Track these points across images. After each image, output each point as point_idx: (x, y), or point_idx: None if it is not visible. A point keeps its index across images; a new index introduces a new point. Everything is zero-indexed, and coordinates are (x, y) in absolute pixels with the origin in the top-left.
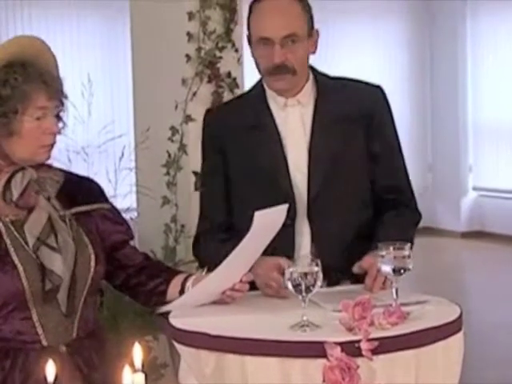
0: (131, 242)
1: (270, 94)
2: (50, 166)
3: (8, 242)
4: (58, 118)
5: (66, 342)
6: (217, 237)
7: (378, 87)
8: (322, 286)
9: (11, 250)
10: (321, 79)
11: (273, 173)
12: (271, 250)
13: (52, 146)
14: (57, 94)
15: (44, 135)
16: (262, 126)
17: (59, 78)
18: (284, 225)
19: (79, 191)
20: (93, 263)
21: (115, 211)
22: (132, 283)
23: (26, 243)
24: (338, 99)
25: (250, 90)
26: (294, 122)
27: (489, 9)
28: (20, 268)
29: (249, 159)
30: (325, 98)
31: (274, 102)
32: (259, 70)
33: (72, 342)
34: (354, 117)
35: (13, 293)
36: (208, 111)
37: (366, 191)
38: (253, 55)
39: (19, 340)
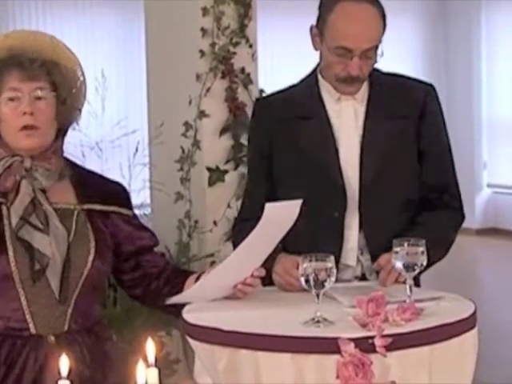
0: (155, 249)
1: (324, 85)
2: (50, 155)
3: (7, 223)
4: (65, 104)
5: (55, 333)
6: (250, 226)
7: (431, 85)
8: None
9: (7, 232)
10: (374, 74)
11: (324, 165)
12: (319, 243)
13: (32, 130)
14: (34, 75)
15: (19, 116)
16: (314, 116)
17: (49, 63)
18: (333, 217)
19: (99, 191)
20: (91, 257)
21: (138, 220)
22: (152, 288)
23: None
24: (390, 96)
25: (303, 80)
26: (347, 115)
27: (504, 6)
28: (10, 251)
29: (299, 150)
30: (378, 93)
31: (328, 95)
32: (321, 61)
33: (62, 334)
34: (406, 114)
35: (1, 275)
36: (258, 100)
37: (415, 188)
38: (315, 48)
39: (7, 327)
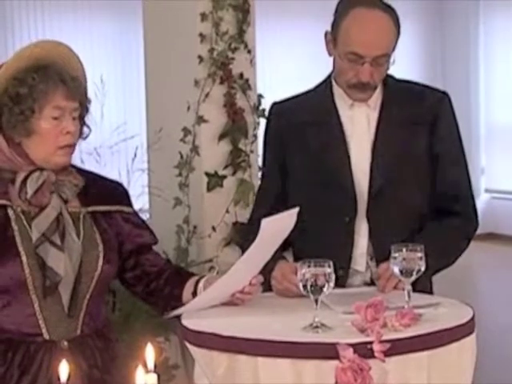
0: (154, 248)
1: (337, 92)
2: (71, 170)
3: (16, 228)
4: (83, 122)
5: (68, 338)
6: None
7: (444, 93)
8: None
9: (17, 237)
10: (388, 81)
11: (336, 170)
12: (329, 248)
13: (70, 148)
14: (76, 94)
15: (61, 135)
16: (327, 122)
17: (82, 81)
18: (343, 222)
19: (101, 192)
20: (100, 262)
21: (138, 217)
22: (152, 288)
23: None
24: (404, 103)
25: (318, 86)
26: (359, 121)
27: (501, 9)
28: (23, 257)
29: (312, 155)
30: (391, 100)
31: (342, 101)
32: (334, 68)
33: (75, 339)
34: (419, 122)
35: (15, 280)
36: (274, 104)
37: (425, 196)
38: (329, 54)
39: (21, 332)
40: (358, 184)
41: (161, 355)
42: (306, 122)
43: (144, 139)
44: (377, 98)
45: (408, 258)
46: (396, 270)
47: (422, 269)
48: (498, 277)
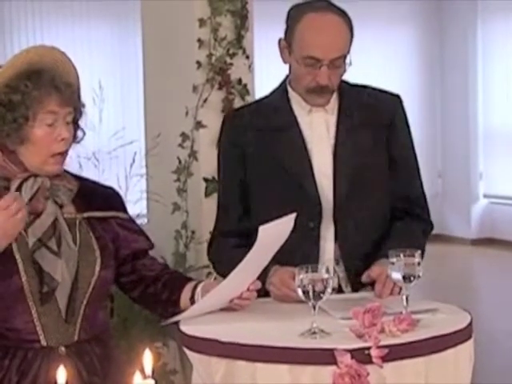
0: (150, 252)
1: (294, 97)
2: (65, 175)
3: None
4: (77, 126)
5: (66, 344)
6: (229, 243)
7: (397, 96)
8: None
9: (14, 245)
10: (343, 86)
11: (299, 176)
12: (296, 254)
13: (62, 156)
14: (69, 100)
15: (55, 142)
16: (286, 129)
17: (76, 86)
18: (309, 229)
19: (96, 198)
20: (97, 267)
21: (133, 222)
22: (149, 292)
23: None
24: (360, 106)
25: (272, 93)
26: (318, 126)
27: (500, 14)
28: (20, 264)
29: (273, 162)
30: (348, 104)
31: (299, 107)
32: (291, 73)
33: (72, 345)
34: (376, 124)
35: (12, 288)
36: (228, 114)
37: (389, 196)
38: (284, 61)
39: (19, 339)
40: (322, 189)
41: (159, 361)
42: (264, 129)
43: (142, 145)
44: (334, 103)
45: (408, 264)
46: (398, 276)
47: (420, 274)
48: (495, 281)
